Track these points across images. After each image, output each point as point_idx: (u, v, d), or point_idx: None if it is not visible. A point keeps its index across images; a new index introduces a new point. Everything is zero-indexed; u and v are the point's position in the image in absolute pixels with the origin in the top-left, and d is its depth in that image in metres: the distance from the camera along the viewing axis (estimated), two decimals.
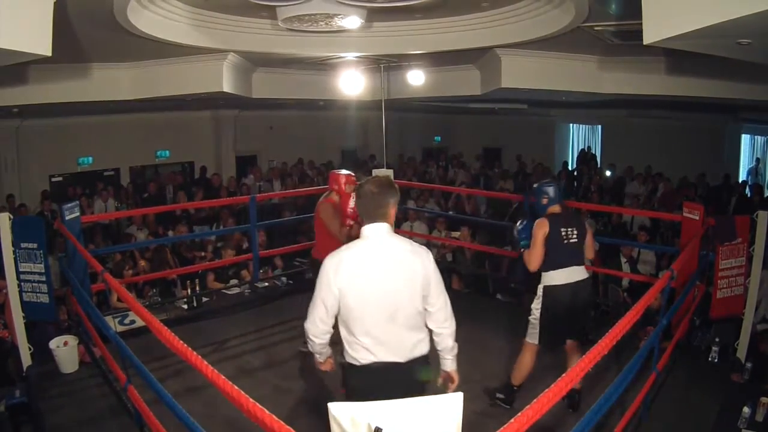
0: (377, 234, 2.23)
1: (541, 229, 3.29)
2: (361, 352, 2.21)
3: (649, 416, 3.33)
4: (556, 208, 3.39)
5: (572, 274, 3.29)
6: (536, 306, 3.35)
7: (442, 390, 2.36)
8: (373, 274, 2.17)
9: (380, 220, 2.24)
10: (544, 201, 3.40)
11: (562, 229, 3.30)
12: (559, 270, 3.28)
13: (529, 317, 3.41)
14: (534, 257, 3.30)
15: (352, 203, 3.85)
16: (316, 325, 2.24)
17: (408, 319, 2.22)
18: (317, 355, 2.40)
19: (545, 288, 3.31)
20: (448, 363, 2.39)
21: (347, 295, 2.17)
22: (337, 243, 3.61)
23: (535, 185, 3.54)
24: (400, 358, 2.22)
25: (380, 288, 2.17)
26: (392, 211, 2.28)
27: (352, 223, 3.90)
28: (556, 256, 3.28)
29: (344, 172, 4.10)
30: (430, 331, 2.33)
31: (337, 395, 2.52)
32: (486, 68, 7.77)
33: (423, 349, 2.29)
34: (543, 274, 3.33)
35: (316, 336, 2.27)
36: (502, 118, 14.27)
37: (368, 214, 2.25)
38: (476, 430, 3.14)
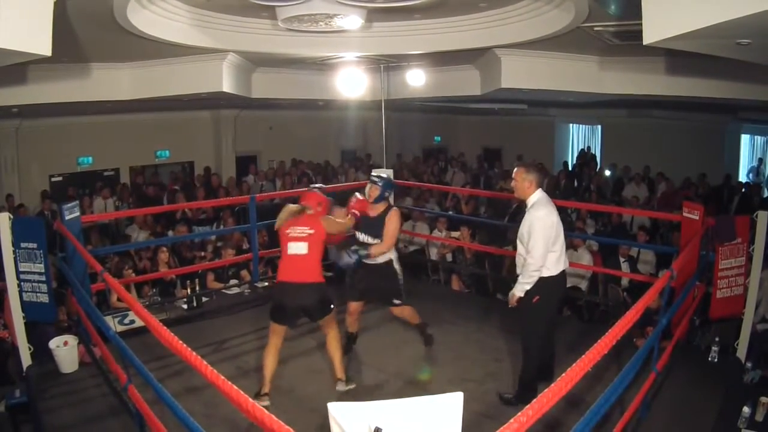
0: (544, 194, 3.50)
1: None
2: (554, 267, 3.43)
3: (649, 416, 3.34)
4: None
5: None
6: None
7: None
8: (556, 215, 3.44)
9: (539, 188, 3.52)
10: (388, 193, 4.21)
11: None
12: None
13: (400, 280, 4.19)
14: None
15: (355, 197, 4.07)
16: (543, 258, 3.36)
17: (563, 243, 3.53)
18: (526, 285, 3.41)
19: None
20: None
21: (554, 230, 3.40)
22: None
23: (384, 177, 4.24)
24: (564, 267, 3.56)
25: (559, 223, 3.46)
26: None
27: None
28: None
29: (319, 192, 3.82)
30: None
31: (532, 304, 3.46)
32: (486, 68, 7.77)
33: None
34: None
35: (540, 268, 3.36)
36: (502, 118, 14.26)
37: (540, 184, 3.51)
38: (476, 430, 3.15)
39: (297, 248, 3.56)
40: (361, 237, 4.10)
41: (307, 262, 3.55)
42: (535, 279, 3.41)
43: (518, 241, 3.55)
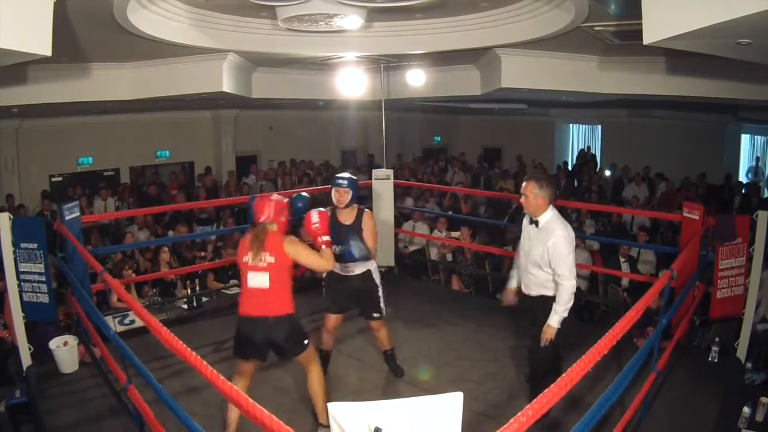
0: (555, 211, 3.16)
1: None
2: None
3: (649, 416, 3.34)
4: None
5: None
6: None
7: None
8: (571, 230, 3.16)
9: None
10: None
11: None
12: None
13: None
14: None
15: (315, 218, 3.17)
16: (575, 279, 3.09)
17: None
18: (565, 313, 3.10)
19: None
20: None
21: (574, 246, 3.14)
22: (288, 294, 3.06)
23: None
24: None
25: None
26: None
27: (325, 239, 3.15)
28: None
29: (276, 197, 3.19)
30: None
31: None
32: (486, 68, 7.78)
33: None
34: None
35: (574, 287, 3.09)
36: (502, 118, 14.28)
37: (552, 200, 3.15)
38: (476, 430, 3.15)
39: (258, 281, 2.96)
40: (337, 249, 3.52)
41: (272, 294, 2.97)
42: (571, 304, 3.09)
43: (532, 263, 3.23)
